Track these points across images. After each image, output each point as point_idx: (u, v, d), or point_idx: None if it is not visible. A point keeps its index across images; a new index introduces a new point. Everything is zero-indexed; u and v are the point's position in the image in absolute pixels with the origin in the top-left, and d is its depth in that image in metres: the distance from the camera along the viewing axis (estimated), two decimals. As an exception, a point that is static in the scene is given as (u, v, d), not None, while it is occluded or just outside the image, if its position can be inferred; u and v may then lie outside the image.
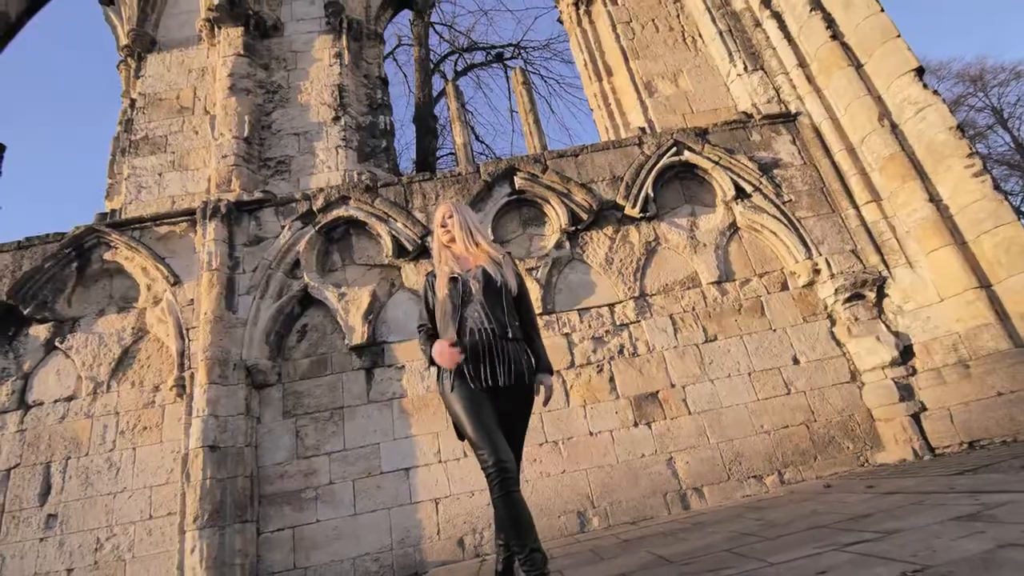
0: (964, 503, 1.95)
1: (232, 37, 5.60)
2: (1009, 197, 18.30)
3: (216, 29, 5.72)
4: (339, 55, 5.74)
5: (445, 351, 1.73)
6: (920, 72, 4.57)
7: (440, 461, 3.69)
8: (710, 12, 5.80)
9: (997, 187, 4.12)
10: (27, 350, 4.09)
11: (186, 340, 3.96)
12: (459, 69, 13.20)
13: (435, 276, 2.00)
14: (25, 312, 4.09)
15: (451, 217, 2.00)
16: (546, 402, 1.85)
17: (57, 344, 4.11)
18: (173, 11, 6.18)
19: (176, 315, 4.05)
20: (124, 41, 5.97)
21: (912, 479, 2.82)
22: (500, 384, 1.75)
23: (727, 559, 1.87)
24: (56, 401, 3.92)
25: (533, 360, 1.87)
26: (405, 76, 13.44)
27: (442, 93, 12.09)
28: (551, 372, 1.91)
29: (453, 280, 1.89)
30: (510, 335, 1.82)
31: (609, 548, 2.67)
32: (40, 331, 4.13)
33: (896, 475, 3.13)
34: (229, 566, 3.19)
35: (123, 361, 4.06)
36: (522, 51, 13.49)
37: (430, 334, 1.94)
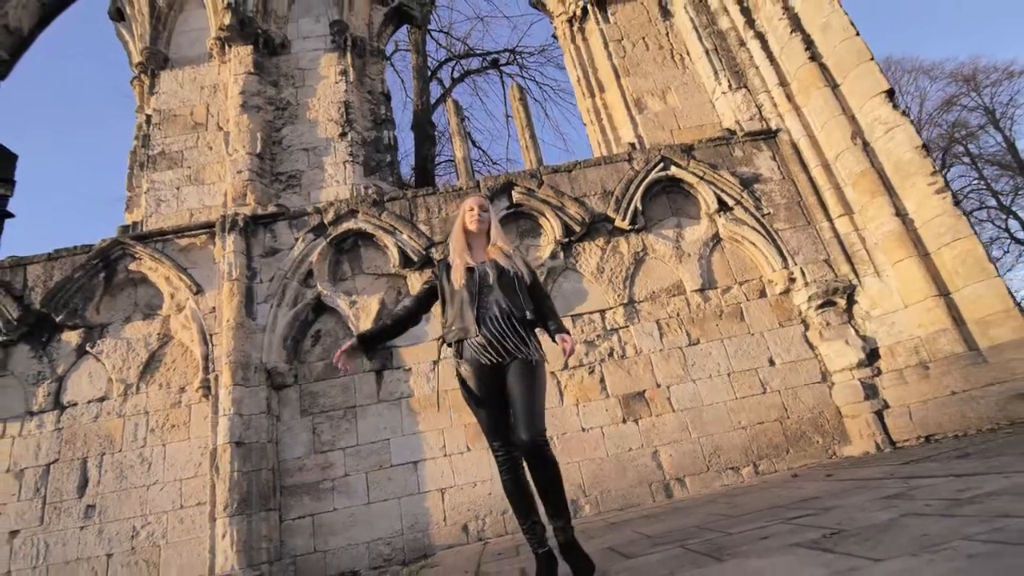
0: (895, 486, 2.31)
1: (242, 55, 5.89)
2: (1000, 196, 18.65)
3: (226, 47, 6.00)
4: (344, 72, 6.04)
5: (341, 350, 2.02)
6: (890, 94, 4.93)
7: (445, 455, 4.04)
8: (697, 31, 6.13)
9: (957, 203, 4.49)
10: (60, 355, 4.40)
11: (209, 345, 4.27)
12: (456, 76, 13.48)
13: (447, 266, 2.06)
14: (57, 319, 4.40)
15: (486, 211, 2.11)
16: (570, 353, 1.94)
17: (88, 349, 4.42)
18: (183, 28, 6.45)
19: (199, 322, 4.36)
20: (138, 59, 6.24)
21: (866, 468, 3.19)
22: (514, 365, 1.88)
23: (695, 532, 2.22)
24: (89, 402, 4.23)
25: (538, 343, 1.98)
26: (403, 82, 13.71)
27: (440, 100, 12.39)
28: (569, 332, 2.02)
29: (470, 270, 1.98)
30: (528, 318, 1.94)
31: (598, 529, 3.02)
32: (72, 337, 4.44)
33: (855, 466, 3.49)
34: (256, 550, 3.53)
35: (150, 364, 4.37)
36: (518, 56, 13.77)
37: (385, 328, 2.13)
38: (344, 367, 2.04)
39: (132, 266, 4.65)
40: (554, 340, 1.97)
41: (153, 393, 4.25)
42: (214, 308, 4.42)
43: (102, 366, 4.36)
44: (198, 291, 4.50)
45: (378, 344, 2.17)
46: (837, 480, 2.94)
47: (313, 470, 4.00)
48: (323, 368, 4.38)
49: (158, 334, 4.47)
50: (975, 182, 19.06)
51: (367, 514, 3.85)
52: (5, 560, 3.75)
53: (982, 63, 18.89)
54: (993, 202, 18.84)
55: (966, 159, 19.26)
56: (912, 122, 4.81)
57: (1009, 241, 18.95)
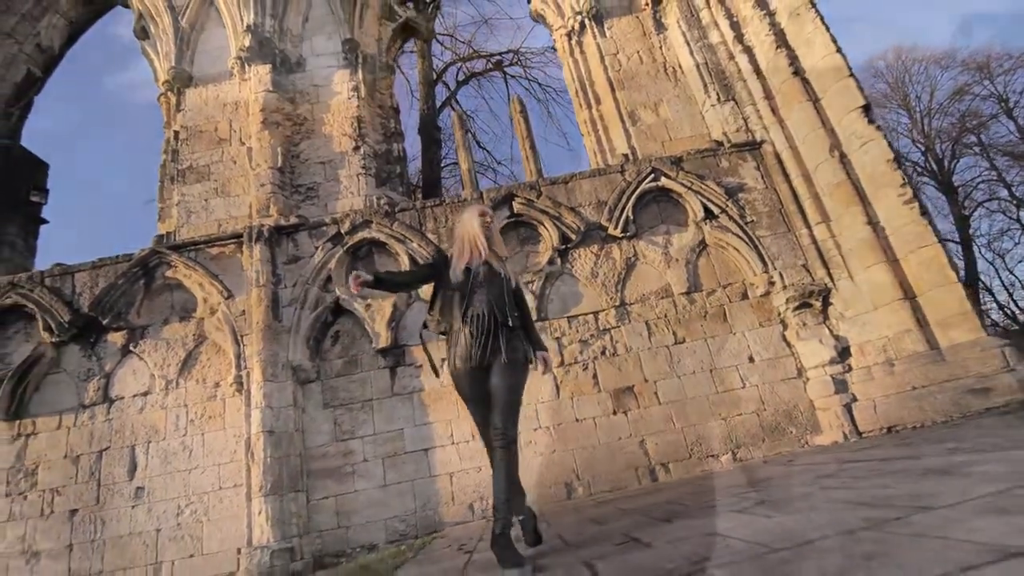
0: (832, 468, 2.72)
1: (261, 74, 6.30)
2: (1012, 188, 18.26)
3: (246, 66, 6.41)
4: (356, 88, 6.44)
5: (360, 278, 2.10)
6: (867, 109, 5.25)
7: (453, 443, 4.50)
8: (689, 45, 6.45)
9: (924, 212, 4.83)
10: (107, 354, 4.90)
11: (240, 345, 4.75)
12: (460, 79, 13.80)
13: (445, 259, 2.28)
14: (104, 322, 4.89)
15: (492, 222, 2.35)
16: (544, 371, 2.22)
17: (131, 348, 4.92)
18: (204, 48, 6.86)
19: (231, 324, 4.84)
20: (164, 77, 6.67)
21: (824, 455, 3.60)
22: (496, 362, 2.05)
23: (661, 505, 2.66)
24: (135, 396, 4.74)
25: (527, 346, 2.17)
26: (408, 83, 14.05)
27: (446, 103, 12.77)
28: (547, 351, 2.30)
29: (467, 271, 2.17)
30: (509, 323, 2.08)
31: (587, 507, 3.47)
32: (116, 338, 4.94)
33: (817, 453, 3.90)
34: (287, 525, 4.03)
35: (187, 362, 4.86)
36: (521, 57, 14.05)
37: (393, 281, 2.39)
38: (355, 287, 2.09)
39: (168, 273, 5.12)
40: (535, 355, 2.22)
41: (191, 388, 4.74)
42: (244, 311, 4.89)
43: (144, 364, 4.86)
44: (229, 296, 4.97)
45: (382, 289, 2.25)
46: (795, 465, 3.36)
47: (335, 456, 4.48)
48: (342, 365, 4.85)
49: (193, 335, 4.96)
50: (986, 172, 18.62)
51: (384, 495, 4.34)
52: (67, 535, 4.28)
53: (996, 50, 18.34)
54: (1004, 192, 18.44)
55: (977, 149, 18.82)
56: (885, 136, 5.13)
57: (1020, 232, 18.53)
